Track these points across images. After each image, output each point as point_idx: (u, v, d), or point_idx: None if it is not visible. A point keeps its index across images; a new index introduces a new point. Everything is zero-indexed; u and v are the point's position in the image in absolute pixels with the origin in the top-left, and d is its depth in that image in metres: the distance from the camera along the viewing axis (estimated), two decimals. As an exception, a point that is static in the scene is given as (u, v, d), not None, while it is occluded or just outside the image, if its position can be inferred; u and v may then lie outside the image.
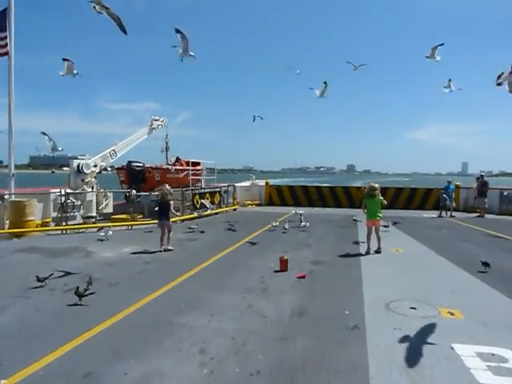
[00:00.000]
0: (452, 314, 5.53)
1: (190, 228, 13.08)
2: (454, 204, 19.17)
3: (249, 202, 23.09)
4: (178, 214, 10.91)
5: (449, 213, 18.47)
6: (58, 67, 15.80)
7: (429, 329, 4.99)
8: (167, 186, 10.77)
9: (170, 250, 9.84)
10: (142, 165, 18.00)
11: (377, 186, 9.98)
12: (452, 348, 4.45)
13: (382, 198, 9.89)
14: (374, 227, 9.78)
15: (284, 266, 7.86)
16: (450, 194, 18.99)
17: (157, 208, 10.42)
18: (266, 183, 24.44)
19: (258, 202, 23.50)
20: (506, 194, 19.58)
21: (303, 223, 13.82)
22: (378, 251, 9.57)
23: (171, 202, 10.32)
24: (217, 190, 19.28)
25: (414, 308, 5.72)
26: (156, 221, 10.61)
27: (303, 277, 7.32)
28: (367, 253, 9.46)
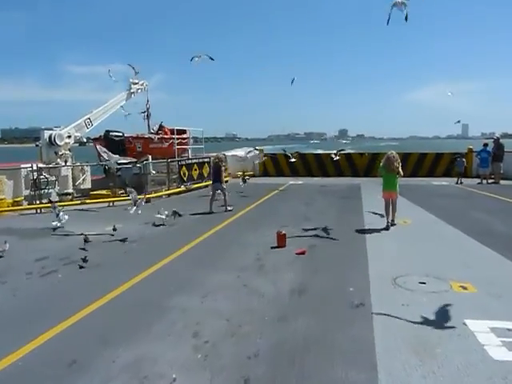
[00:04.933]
0: (464, 287, 5.64)
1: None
2: (489, 170, 18.70)
3: (240, 173, 23.02)
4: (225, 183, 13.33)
5: (462, 179, 18.51)
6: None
7: (439, 304, 5.10)
8: (219, 154, 13.85)
9: (230, 210, 11.86)
10: (121, 134, 17.79)
11: (396, 156, 9.50)
12: (464, 324, 4.55)
13: (400, 170, 9.44)
14: (391, 199, 9.55)
15: (281, 241, 7.93)
16: (488, 158, 18.63)
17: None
18: (260, 151, 24.31)
19: (251, 172, 23.47)
20: None
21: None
22: (391, 223, 9.48)
23: (223, 168, 12.54)
24: (206, 160, 19.18)
25: (424, 283, 5.82)
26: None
27: (303, 253, 7.40)
28: (387, 228, 9.32)
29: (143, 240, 8.79)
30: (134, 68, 19.02)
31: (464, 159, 19.40)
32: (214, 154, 15.44)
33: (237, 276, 6.25)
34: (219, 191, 12.20)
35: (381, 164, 9.77)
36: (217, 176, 12.33)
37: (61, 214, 10.13)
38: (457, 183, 18.29)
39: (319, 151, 30.16)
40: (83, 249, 7.76)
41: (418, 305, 5.10)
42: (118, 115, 18.41)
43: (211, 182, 12.92)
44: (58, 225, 9.97)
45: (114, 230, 9.36)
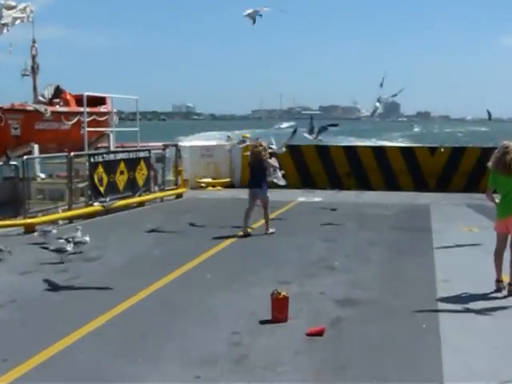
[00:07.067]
0: None
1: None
2: None
3: (208, 181, 22.96)
4: (280, 179, 15.52)
5: None
6: None
7: None
8: (260, 140, 15.15)
9: (271, 233, 13.88)
10: (-19, 104, 17.80)
11: None
12: None
13: None
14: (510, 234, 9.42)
15: (280, 309, 7.91)
16: None
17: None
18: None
19: (227, 179, 23.44)
20: None
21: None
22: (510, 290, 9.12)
23: (269, 161, 14.29)
24: (141, 155, 19.14)
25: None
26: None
27: (319, 333, 7.39)
28: (498, 290, 9.23)
29: (19, 304, 8.72)
30: None
31: None
32: (246, 142, 18.64)
33: (194, 376, 6.18)
34: (260, 201, 14.03)
35: (490, 166, 9.69)
36: (258, 176, 14.02)
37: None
38: None
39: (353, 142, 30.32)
40: None
41: None
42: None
43: (248, 187, 14.73)
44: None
45: None
